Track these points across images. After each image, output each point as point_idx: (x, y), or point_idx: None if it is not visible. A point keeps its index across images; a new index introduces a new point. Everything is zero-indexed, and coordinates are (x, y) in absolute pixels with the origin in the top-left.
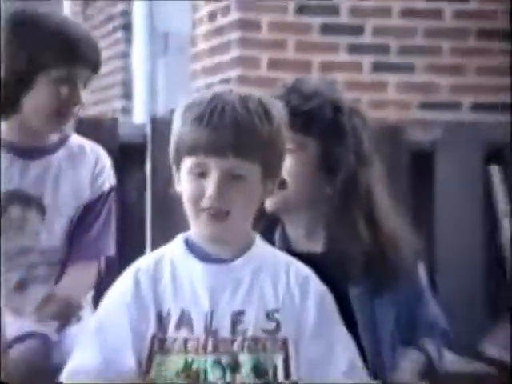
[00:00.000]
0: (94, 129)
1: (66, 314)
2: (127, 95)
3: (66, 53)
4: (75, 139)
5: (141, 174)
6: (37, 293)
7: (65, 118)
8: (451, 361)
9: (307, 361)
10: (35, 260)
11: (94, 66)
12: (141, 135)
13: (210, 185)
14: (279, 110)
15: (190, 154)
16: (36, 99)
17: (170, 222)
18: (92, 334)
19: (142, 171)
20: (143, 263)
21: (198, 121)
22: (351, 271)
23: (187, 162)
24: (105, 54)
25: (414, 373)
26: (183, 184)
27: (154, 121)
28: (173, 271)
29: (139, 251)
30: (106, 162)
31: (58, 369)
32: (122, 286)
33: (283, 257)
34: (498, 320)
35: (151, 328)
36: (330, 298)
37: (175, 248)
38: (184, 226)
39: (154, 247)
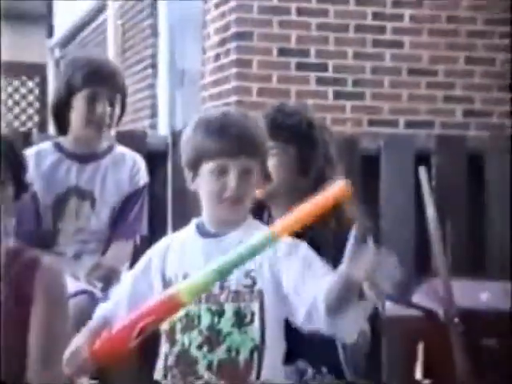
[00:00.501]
0: (130, 140)
1: (109, 278)
2: (154, 115)
3: (90, 78)
4: (118, 148)
5: (164, 173)
6: (88, 262)
7: (101, 129)
8: (391, 308)
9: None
10: (87, 238)
11: (110, 85)
12: (164, 144)
13: (231, 179)
14: (263, 125)
15: (211, 159)
16: (76, 115)
17: (185, 210)
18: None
19: (164, 172)
20: (159, 243)
21: (216, 133)
22: (321, 243)
23: (208, 165)
24: (137, 86)
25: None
26: (204, 182)
27: (173, 134)
28: (181, 246)
29: (162, 231)
30: (141, 165)
31: None
32: (141, 260)
33: (265, 228)
34: (423, 279)
35: (158, 290)
36: (304, 248)
37: (188, 229)
38: (196, 213)
39: (174, 228)
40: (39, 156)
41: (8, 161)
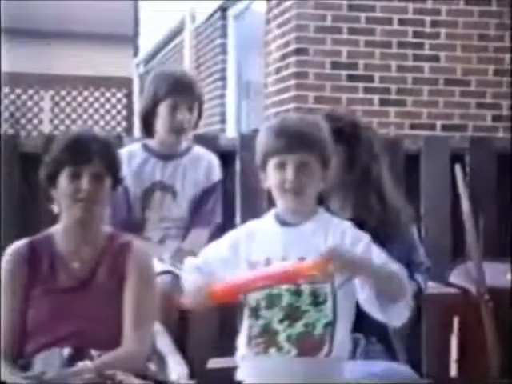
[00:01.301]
0: (205, 141)
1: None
2: (223, 121)
3: (174, 89)
4: (195, 149)
5: (233, 170)
6: (170, 246)
7: (181, 134)
8: (431, 287)
9: None
10: (169, 225)
11: (191, 95)
12: (232, 146)
13: (289, 172)
14: (325, 127)
15: (273, 155)
16: (160, 122)
17: (251, 202)
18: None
19: (233, 169)
20: (241, 229)
21: (275, 134)
22: (367, 230)
23: (272, 161)
24: (209, 96)
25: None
26: (270, 176)
27: (241, 136)
28: (263, 233)
29: (232, 220)
30: (215, 163)
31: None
32: (223, 241)
33: (336, 220)
34: (459, 262)
35: (243, 271)
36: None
37: (267, 218)
38: (260, 204)
39: (242, 217)
40: (130, 155)
41: (107, 158)
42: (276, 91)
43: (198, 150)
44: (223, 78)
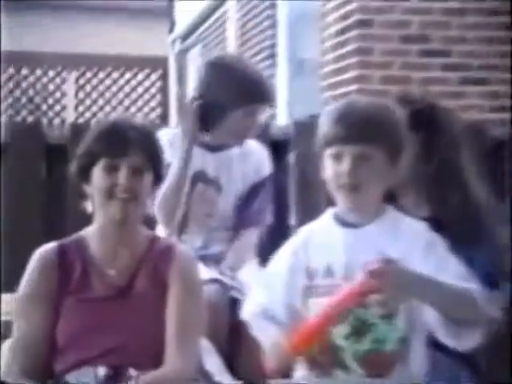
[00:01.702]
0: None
1: (237, 267)
2: (273, 105)
3: (256, 96)
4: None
5: (286, 163)
6: (216, 250)
7: (244, 139)
8: None
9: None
10: (215, 224)
11: (271, 102)
12: (285, 134)
13: (345, 166)
14: (398, 113)
15: (330, 145)
16: (227, 126)
17: (308, 200)
18: (262, 282)
19: (286, 161)
20: (298, 235)
21: (334, 120)
22: (446, 232)
23: (329, 152)
24: None
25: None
26: (326, 168)
27: (295, 123)
28: (321, 237)
29: (285, 220)
30: (266, 155)
31: (232, 301)
32: (283, 253)
33: (407, 220)
34: None
35: (302, 280)
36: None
37: (325, 219)
38: (318, 202)
39: (297, 217)
40: (172, 140)
41: (147, 150)
42: (335, 71)
43: (248, 140)
44: (272, 56)
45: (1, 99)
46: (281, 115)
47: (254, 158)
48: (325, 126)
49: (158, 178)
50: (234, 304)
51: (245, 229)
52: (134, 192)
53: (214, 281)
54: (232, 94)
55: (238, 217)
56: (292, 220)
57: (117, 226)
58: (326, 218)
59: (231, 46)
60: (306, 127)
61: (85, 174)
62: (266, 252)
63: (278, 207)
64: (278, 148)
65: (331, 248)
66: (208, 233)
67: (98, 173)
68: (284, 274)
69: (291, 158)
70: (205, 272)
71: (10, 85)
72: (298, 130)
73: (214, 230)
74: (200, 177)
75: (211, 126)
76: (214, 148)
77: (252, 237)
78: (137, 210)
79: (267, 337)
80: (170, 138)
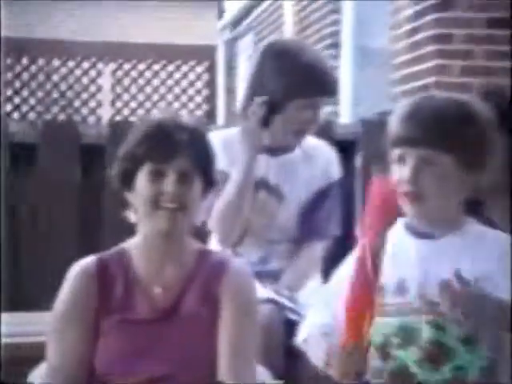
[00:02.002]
0: (317, 129)
1: (298, 286)
2: (335, 101)
3: (316, 86)
4: (309, 139)
5: (352, 166)
6: (275, 266)
7: (304, 135)
8: None
9: None
10: (274, 237)
11: (333, 94)
12: (351, 134)
13: (407, 171)
14: (481, 111)
15: (395, 146)
16: (284, 120)
17: None
18: (324, 302)
19: (352, 163)
20: None
21: (401, 119)
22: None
23: (394, 154)
24: None
25: None
26: (393, 172)
27: (362, 122)
28: (391, 248)
29: (350, 232)
30: (334, 157)
31: (288, 324)
32: (347, 266)
33: (494, 236)
34: None
35: None
36: None
37: (395, 228)
38: None
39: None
40: (226, 143)
41: (197, 154)
42: (409, 61)
43: (313, 141)
44: (335, 45)
45: (22, 93)
46: (345, 113)
47: (321, 161)
48: (392, 125)
49: (209, 185)
50: (290, 326)
51: (308, 242)
52: (183, 201)
53: (269, 301)
54: (289, 82)
55: (301, 228)
56: (358, 231)
57: (163, 239)
58: (397, 228)
59: (288, 34)
60: (374, 126)
61: (127, 180)
62: (330, 268)
63: (343, 216)
64: (342, 149)
65: (403, 261)
66: (266, 246)
67: (141, 179)
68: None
69: (357, 160)
70: (260, 290)
71: (40, 77)
72: (365, 130)
73: (273, 242)
74: (261, 185)
75: (266, 123)
76: (274, 151)
77: (316, 251)
78: (185, 221)
79: (323, 351)
80: (223, 141)
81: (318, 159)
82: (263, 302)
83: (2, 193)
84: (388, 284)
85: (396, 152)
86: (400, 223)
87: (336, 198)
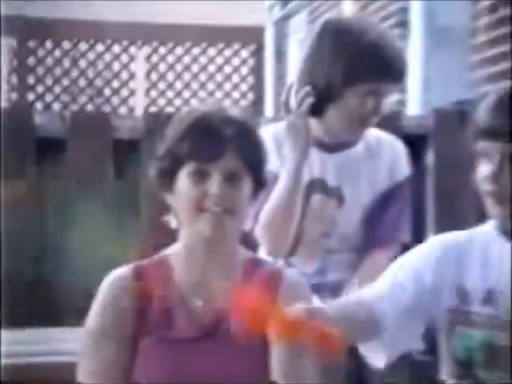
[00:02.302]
0: (381, 122)
1: None
2: (402, 89)
3: (381, 70)
4: (372, 132)
5: (422, 164)
6: (334, 278)
7: (365, 126)
8: None
9: None
10: (333, 246)
11: (401, 79)
12: (421, 127)
13: (490, 168)
14: None
15: (481, 139)
16: (342, 109)
17: (450, 208)
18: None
19: (423, 162)
20: (451, 241)
21: (488, 108)
22: None
23: (479, 147)
24: None
25: None
26: (478, 169)
27: (436, 112)
28: (483, 252)
29: (420, 236)
30: (402, 153)
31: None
32: (423, 251)
33: None
34: None
35: (448, 300)
36: None
37: (485, 231)
38: (463, 210)
39: (436, 233)
40: (277, 139)
41: (246, 152)
42: (490, 41)
43: (377, 133)
44: (403, 24)
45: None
46: (414, 102)
47: (387, 158)
48: (479, 114)
49: (259, 186)
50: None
51: (374, 250)
52: (229, 204)
53: None
54: (349, 65)
55: (366, 234)
56: (430, 235)
57: (207, 246)
58: (488, 229)
59: (347, 12)
60: (448, 117)
61: (166, 180)
62: None
63: (413, 221)
64: (410, 144)
65: (493, 266)
66: (325, 255)
67: (184, 180)
68: (414, 278)
69: (429, 157)
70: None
71: (66, 63)
72: (438, 121)
73: (332, 251)
74: (317, 186)
75: (321, 112)
76: (332, 147)
77: (383, 260)
78: (232, 226)
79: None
80: (273, 138)
81: (383, 156)
82: None
83: (3, 192)
84: (475, 290)
85: (482, 145)
86: (491, 225)
87: (404, 201)
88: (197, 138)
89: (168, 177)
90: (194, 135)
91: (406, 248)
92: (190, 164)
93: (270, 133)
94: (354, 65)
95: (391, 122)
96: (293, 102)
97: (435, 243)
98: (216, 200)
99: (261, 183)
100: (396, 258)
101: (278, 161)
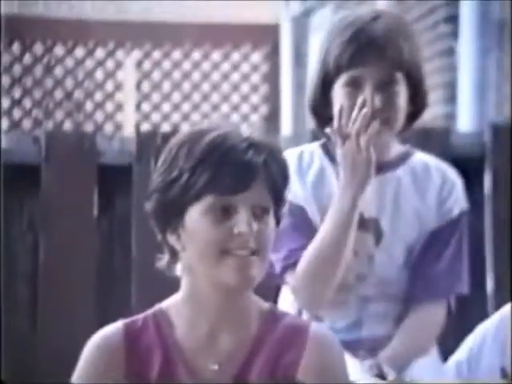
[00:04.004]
0: (423, 140)
1: (407, 363)
2: (451, 99)
3: (354, 55)
4: (418, 156)
5: (478, 191)
6: (371, 335)
7: (366, 129)
8: None
9: None
10: (370, 292)
11: (393, 63)
12: (474, 145)
13: None
14: None
15: None
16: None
17: None
18: None
19: (479, 188)
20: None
21: None
22: None
23: None
24: (425, 52)
25: None
26: None
27: (494, 128)
28: None
29: (480, 287)
30: (455, 182)
31: None
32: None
33: None
34: None
35: None
36: None
37: None
38: None
39: (497, 280)
40: (301, 163)
41: (274, 180)
42: None
43: (423, 158)
44: (452, 18)
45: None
46: (466, 115)
47: (437, 187)
48: None
49: (278, 221)
50: None
51: (422, 301)
52: (259, 245)
53: None
54: (328, 53)
55: (411, 281)
56: (489, 285)
57: (228, 297)
58: None
59: (381, 5)
60: (510, 133)
61: (171, 218)
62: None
63: (471, 264)
64: (463, 169)
65: None
66: (360, 305)
67: (198, 217)
68: None
69: (487, 181)
70: (352, 368)
71: (38, 71)
72: (497, 139)
73: (369, 300)
74: None
75: (323, 116)
76: None
77: (433, 314)
78: (261, 272)
79: None
80: (298, 162)
81: (432, 186)
82: None
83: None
84: None
85: None
86: None
87: (460, 241)
88: (219, 165)
89: (174, 213)
90: (214, 162)
91: (462, 301)
92: (208, 197)
93: (293, 157)
94: (329, 53)
95: (438, 141)
96: (346, 125)
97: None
98: (244, 241)
99: (278, 217)
100: (450, 314)
101: (301, 190)
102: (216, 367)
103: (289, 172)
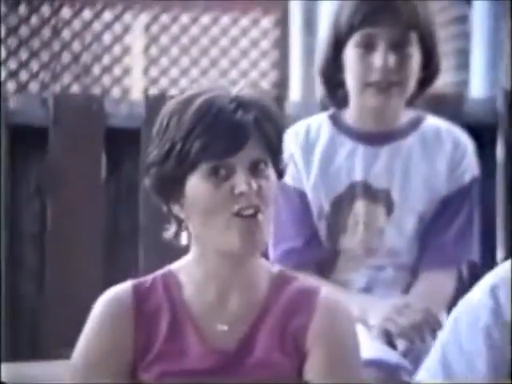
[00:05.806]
0: (436, 107)
1: (419, 331)
2: (464, 66)
3: (367, 14)
4: (430, 122)
5: (491, 160)
6: (382, 297)
7: (388, 91)
8: None
9: None
10: (381, 262)
11: (408, 23)
12: (488, 113)
13: None
14: None
15: None
16: (348, 74)
17: None
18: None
19: (492, 157)
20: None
21: None
22: None
23: None
24: (438, 19)
25: None
26: None
27: (507, 94)
28: None
29: (491, 256)
30: (467, 147)
31: None
32: (472, 302)
33: None
34: None
35: None
36: None
37: None
38: None
39: (508, 247)
40: (308, 135)
41: (271, 138)
42: None
43: (435, 123)
44: None
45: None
46: (479, 82)
47: (448, 153)
48: None
49: (280, 174)
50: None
51: (431, 269)
52: (261, 201)
53: (373, 363)
54: (339, 15)
55: (421, 250)
56: (500, 252)
57: (235, 263)
58: None
59: None
60: None
61: (172, 189)
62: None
63: (483, 234)
64: (476, 135)
65: None
66: (368, 274)
67: (198, 184)
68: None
69: (500, 150)
70: (361, 335)
71: (45, 33)
72: (510, 105)
73: (378, 269)
74: (359, 191)
75: (334, 84)
76: (376, 140)
77: (443, 282)
78: (264, 232)
79: None
80: (304, 137)
81: (443, 152)
82: (366, 365)
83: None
84: None
85: None
86: None
87: (471, 209)
88: (210, 131)
89: (173, 185)
90: (205, 129)
91: (474, 269)
92: (205, 164)
93: (299, 132)
94: (341, 15)
95: (451, 108)
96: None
97: (485, 296)
98: (246, 200)
99: (281, 173)
100: (461, 281)
101: (306, 174)
102: (225, 328)
103: (283, 125)
